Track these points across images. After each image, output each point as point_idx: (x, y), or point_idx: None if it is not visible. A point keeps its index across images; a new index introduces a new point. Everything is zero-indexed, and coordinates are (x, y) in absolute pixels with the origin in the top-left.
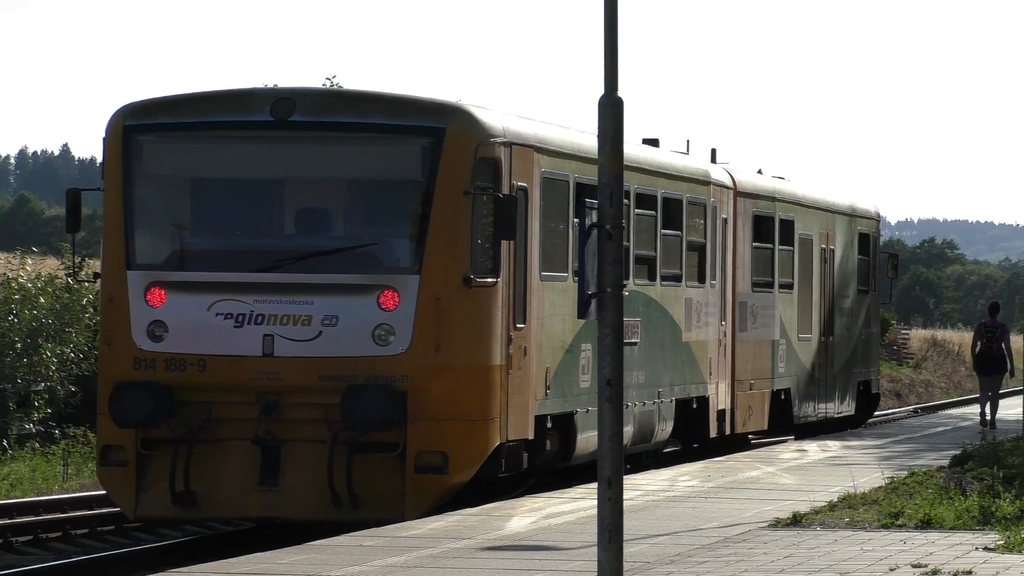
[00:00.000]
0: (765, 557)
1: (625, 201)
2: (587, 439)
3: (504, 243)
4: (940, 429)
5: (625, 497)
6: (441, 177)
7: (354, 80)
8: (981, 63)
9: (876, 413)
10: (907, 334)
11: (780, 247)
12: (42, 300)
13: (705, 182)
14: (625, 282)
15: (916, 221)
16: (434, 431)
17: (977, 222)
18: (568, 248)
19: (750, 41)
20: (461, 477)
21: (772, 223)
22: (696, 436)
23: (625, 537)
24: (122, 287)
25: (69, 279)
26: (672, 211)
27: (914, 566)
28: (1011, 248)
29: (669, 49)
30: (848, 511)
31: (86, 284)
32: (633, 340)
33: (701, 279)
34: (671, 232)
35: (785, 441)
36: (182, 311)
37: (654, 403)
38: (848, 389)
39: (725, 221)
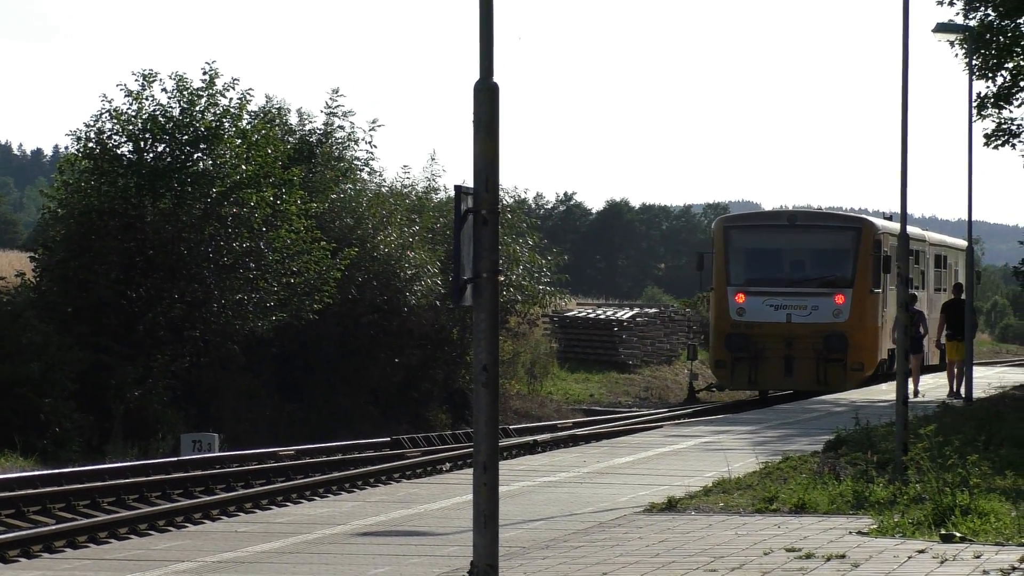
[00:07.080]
0: (640, 541)
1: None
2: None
3: (883, 274)
4: (813, 415)
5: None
6: (860, 247)
7: (234, 68)
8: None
9: None
10: None
11: (942, 270)
12: None
13: (923, 240)
14: (912, 290)
15: None
16: (859, 353)
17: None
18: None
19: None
20: (869, 373)
21: (942, 258)
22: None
23: (501, 522)
24: (724, 293)
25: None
26: (916, 255)
27: (788, 550)
28: None
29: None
30: (723, 496)
31: None
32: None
33: (923, 288)
34: (916, 266)
35: (660, 426)
36: (752, 304)
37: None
38: None
39: (927, 259)
